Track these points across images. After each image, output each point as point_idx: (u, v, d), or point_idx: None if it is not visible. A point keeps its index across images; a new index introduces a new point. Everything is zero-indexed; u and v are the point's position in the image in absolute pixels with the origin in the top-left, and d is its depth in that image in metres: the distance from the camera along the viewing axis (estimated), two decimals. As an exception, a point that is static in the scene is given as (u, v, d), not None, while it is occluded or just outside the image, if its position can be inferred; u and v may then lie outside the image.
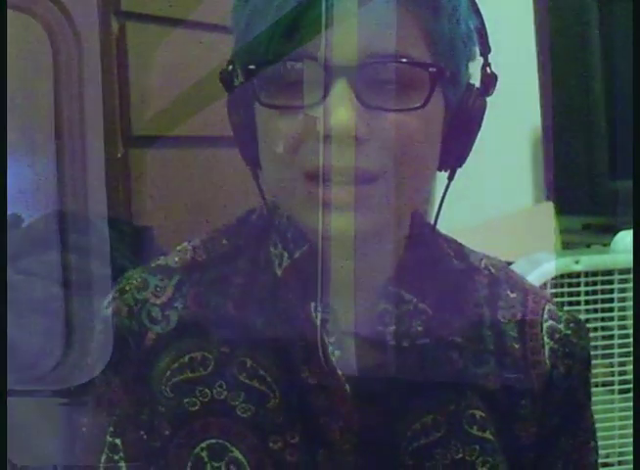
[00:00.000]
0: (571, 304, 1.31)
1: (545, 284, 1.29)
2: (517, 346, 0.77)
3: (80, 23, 1.32)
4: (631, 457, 1.28)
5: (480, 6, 0.72)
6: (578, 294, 1.31)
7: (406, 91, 0.67)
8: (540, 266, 1.30)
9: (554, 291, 1.30)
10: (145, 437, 0.75)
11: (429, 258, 0.78)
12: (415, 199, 0.74)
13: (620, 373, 1.33)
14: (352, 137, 0.65)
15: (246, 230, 0.79)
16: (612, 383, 1.33)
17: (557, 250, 1.67)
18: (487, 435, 0.75)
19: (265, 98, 0.68)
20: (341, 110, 0.64)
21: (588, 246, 1.66)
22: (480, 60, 0.73)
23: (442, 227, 0.80)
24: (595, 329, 1.31)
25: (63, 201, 1.35)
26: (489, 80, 0.73)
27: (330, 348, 0.73)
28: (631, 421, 1.31)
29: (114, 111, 1.56)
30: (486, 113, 0.73)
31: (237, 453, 0.72)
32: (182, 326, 0.75)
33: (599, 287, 1.32)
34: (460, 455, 0.74)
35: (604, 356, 1.33)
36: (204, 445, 0.73)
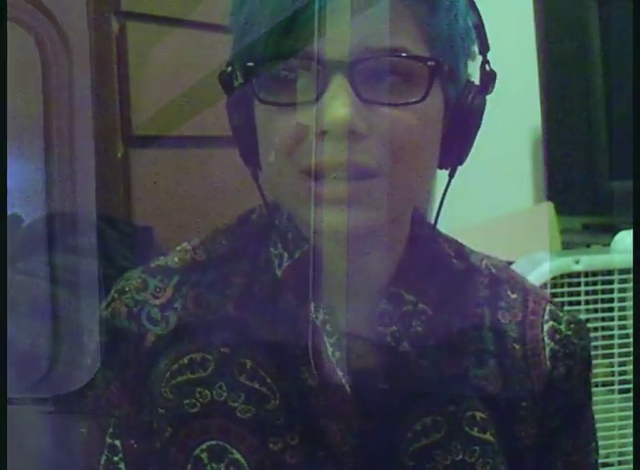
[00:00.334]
0: (571, 304, 1.30)
1: (545, 284, 1.29)
2: (517, 346, 0.77)
3: (69, 30, 1.32)
4: (631, 457, 1.28)
5: (479, 5, 0.72)
6: (578, 294, 1.31)
7: (404, 86, 0.67)
8: (540, 266, 1.30)
9: (554, 291, 1.30)
10: (145, 438, 0.75)
11: (429, 258, 0.78)
12: (414, 197, 0.73)
13: (620, 373, 1.33)
14: (349, 132, 0.65)
15: (246, 230, 0.79)
16: (612, 383, 1.33)
17: (557, 250, 1.67)
18: (488, 436, 0.75)
19: (264, 96, 0.68)
20: (337, 104, 0.64)
21: (588, 246, 1.66)
22: (479, 59, 0.73)
23: (442, 227, 0.80)
24: (595, 329, 1.31)
25: (62, 201, 1.35)
26: (488, 78, 0.73)
27: (330, 349, 0.73)
28: (631, 421, 1.31)
29: (114, 111, 1.56)
30: (487, 112, 0.73)
31: (237, 455, 0.72)
32: (182, 327, 0.75)
33: (599, 287, 1.32)
34: (460, 457, 0.74)
35: (604, 356, 1.33)
36: (203, 446, 0.73)
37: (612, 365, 1.34)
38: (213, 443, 0.73)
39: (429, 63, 0.67)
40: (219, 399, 0.73)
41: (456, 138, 0.72)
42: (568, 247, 1.73)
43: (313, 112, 0.66)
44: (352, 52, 0.65)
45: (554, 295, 1.29)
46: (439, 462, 0.73)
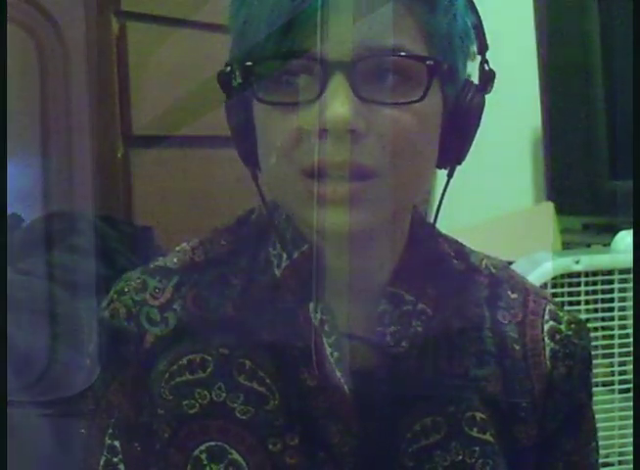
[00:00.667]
0: (571, 304, 1.30)
1: (545, 284, 1.29)
2: (517, 346, 0.77)
3: (67, 30, 1.32)
4: (631, 457, 1.28)
5: (478, 5, 0.72)
6: (578, 294, 1.31)
7: (404, 85, 0.67)
8: (540, 266, 1.30)
9: (554, 291, 1.30)
10: (144, 439, 0.75)
11: (429, 258, 0.77)
12: (414, 196, 0.73)
13: (620, 373, 1.33)
14: (348, 131, 0.65)
15: (245, 231, 0.79)
16: (612, 383, 1.33)
17: (557, 250, 1.67)
18: (488, 436, 0.74)
19: (263, 95, 0.68)
20: (336, 104, 0.64)
21: (588, 246, 1.66)
22: (478, 59, 0.73)
23: (442, 227, 0.80)
24: (595, 329, 1.31)
25: (61, 201, 1.35)
26: (487, 77, 0.73)
27: (329, 349, 0.73)
28: (631, 421, 1.31)
29: (114, 111, 1.56)
30: (487, 112, 0.73)
31: (236, 455, 0.72)
32: (181, 328, 0.75)
33: (599, 287, 1.32)
34: (460, 457, 0.74)
35: (604, 356, 1.33)
36: (203, 447, 0.73)
37: (612, 365, 1.34)
38: (213, 443, 0.73)
39: (427, 62, 0.67)
40: (218, 400, 0.73)
41: (455, 138, 0.72)
42: (568, 247, 1.74)
43: (313, 111, 0.65)
44: (352, 51, 0.65)
45: (554, 295, 1.29)
46: (439, 463, 0.73)
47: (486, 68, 0.73)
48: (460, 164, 0.74)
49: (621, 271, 1.32)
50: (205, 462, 0.72)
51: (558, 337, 0.78)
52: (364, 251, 0.72)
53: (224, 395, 0.73)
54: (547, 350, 0.77)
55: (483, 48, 0.73)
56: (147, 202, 1.58)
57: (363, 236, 0.69)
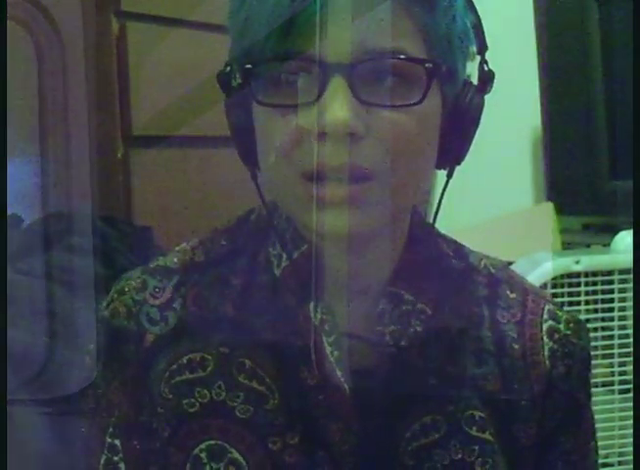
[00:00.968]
0: (571, 304, 1.30)
1: (545, 284, 1.29)
2: (516, 346, 0.77)
3: (65, 29, 1.32)
4: (631, 457, 1.28)
5: (478, 5, 0.72)
6: (578, 294, 1.31)
7: (403, 87, 0.66)
8: (540, 266, 1.30)
9: (554, 291, 1.30)
10: (144, 438, 0.75)
11: (428, 258, 0.77)
12: (413, 198, 0.73)
13: (620, 373, 1.33)
14: (348, 134, 0.65)
15: (244, 231, 0.79)
16: (612, 383, 1.33)
17: (557, 250, 1.67)
18: (487, 435, 0.75)
19: (263, 97, 0.68)
20: (336, 106, 0.64)
21: (588, 246, 1.66)
22: (477, 59, 0.73)
23: (442, 227, 0.80)
24: (595, 329, 1.31)
25: (62, 201, 1.35)
26: (487, 78, 0.73)
27: (328, 348, 0.73)
28: (631, 421, 1.31)
29: (113, 111, 1.56)
30: (487, 112, 0.73)
31: (236, 454, 0.72)
32: (181, 327, 0.75)
33: (599, 287, 1.32)
34: (459, 456, 0.74)
35: (604, 356, 1.33)
36: (203, 445, 0.73)
37: (612, 365, 1.34)
38: (212, 442, 0.73)
39: (427, 64, 0.67)
40: (218, 399, 0.73)
41: (454, 138, 0.72)
42: (568, 247, 1.73)
43: (312, 114, 0.65)
44: (351, 54, 0.65)
45: (554, 295, 1.29)
46: (439, 461, 0.73)
47: (486, 68, 0.73)
48: (459, 164, 0.74)
49: (621, 271, 1.32)
50: (205, 461, 0.73)
51: (557, 336, 0.78)
52: (363, 252, 0.72)
53: (224, 394, 0.73)
54: (546, 349, 0.77)
55: (483, 48, 0.73)
56: (147, 202, 1.58)
57: (362, 237, 0.70)
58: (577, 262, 1.31)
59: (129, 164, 1.58)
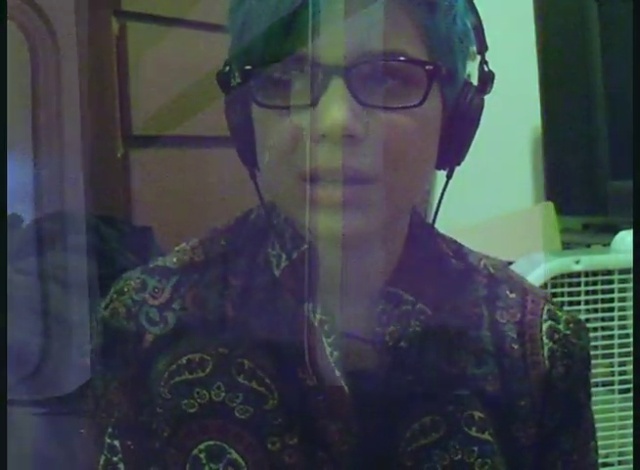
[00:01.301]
0: (571, 304, 1.30)
1: (545, 284, 1.29)
2: (516, 346, 0.77)
3: (59, 28, 1.32)
4: (631, 457, 1.28)
5: (478, 5, 0.72)
6: (578, 294, 1.31)
7: (403, 89, 0.66)
8: (540, 266, 1.30)
9: (554, 291, 1.30)
10: (144, 438, 0.75)
11: (427, 258, 0.77)
12: (412, 199, 0.73)
13: (620, 373, 1.33)
14: (346, 136, 0.65)
15: (244, 231, 0.79)
16: (612, 383, 1.33)
17: (557, 250, 1.67)
18: (486, 436, 0.75)
19: (262, 99, 0.67)
20: (335, 109, 0.64)
21: (588, 246, 1.66)
22: (477, 59, 0.73)
23: (442, 227, 0.80)
24: (595, 329, 1.31)
25: (62, 201, 1.35)
26: (486, 78, 0.73)
27: (328, 349, 0.73)
28: (631, 421, 1.31)
29: (114, 111, 1.56)
30: (487, 112, 0.72)
31: (235, 455, 0.72)
32: (180, 327, 0.75)
33: (599, 287, 1.32)
34: (459, 456, 0.74)
35: (604, 356, 1.33)
36: (202, 446, 0.73)
37: (612, 365, 1.34)
38: (212, 443, 0.73)
39: (427, 67, 0.66)
40: (217, 400, 0.73)
41: (454, 139, 0.72)
42: (568, 247, 1.73)
43: (310, 115, 0.65)
44: (350, 56, 0.65)
45: (554, 295, 1.28)
46: (438, 462, 0.73)
47: (486, 68, 0.73)
48: (459, 164, 0.74)
49: (621, 271, 1.32)
50: (204, 461, 0.73)
51: (556, 336, 0.78)
52: (362, 252, 0.72)
53: (223, 394, 0.73)
54: (545, 349, 0.77)
55: (483, 49, 0.72)
56: (146, 201, 1.58)
57: (360, 239, 0.69)
58: (577, 262, 1.31)
59: (129, 163, 1.58)
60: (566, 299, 1.30)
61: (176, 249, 0.80)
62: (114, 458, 0.76)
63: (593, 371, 0.82)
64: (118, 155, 1.57)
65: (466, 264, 0.80)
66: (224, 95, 0.73)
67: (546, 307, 0.79)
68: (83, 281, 1.16)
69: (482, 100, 0.72)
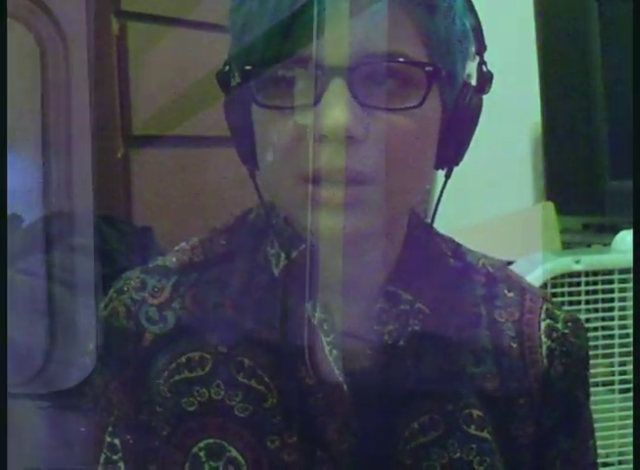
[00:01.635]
0: (571, 303, 1.30)
1: (545, 284, 1.29)
2: (514, 345, 0.77)
3: (68, 28, 1.32)
4: (631, 457, 1.28)
5: (478, 5, 0.72)
6: (578, 294, 1.31)
7: (403, 90, 0.66)
8: (540, 266, 1.30)
9: (554, 290, 1.30)
10: (144, 437, 0.75)
11: (426, 258, 0.78)
12: (411, 200, 0.74)
13: (621, 373, 1.33)
14: (347, 137, 0.65)
15: (243, 230, 0.79)
16: (612, 383, 1.33)
17: (557, 250, 1.67)
18: (485, 434, 0.75)
19: (262, 99, 0.68)
20: (335, 109, 0.64)
21: (588, 246, 1.66)
22: (476, 59, 0.73)
23: (442, 227, 0.80)
24: (595, 329, 1.31)
25: (62, 201, 1.35)
26: (485, 78, 0.73)
27: (327, 347, 0.73)
28: (631, 421, 1.31)
29: (114, 111, 1.57)
30: (486, 112, 0.73)
31: (234, 453, 0.73)
32: (180, 326, 0.75)
33: (599, 287, 1.32)
34: (458, 455, 0.74)
35: (604, 356, 1.33)
36: (201, 444, 0.73)
37: (612, 365, 1.34)
38: (211, 441, 0.73)
39: (427, 68, 0.66)
40: (217, 398, 0.74)
41: (453, 139, 0.72)
42: (568, 247, 1.73)
43: (311, 116, 0.65)
44: (351, 57, 0.65)
45: (554, 295, 1.29)
46: (437, 460, 0.73)
47: (484, 69, 0.73)
48: (458, 164, 0.74)
49: (621, 271, 1.32)
50: (204, 459, 0.73)
51: (555, 335, 0.78)
52: (361, 252, 0.72)
53: (223, 392, 0.73)
54: (544, 348, 0.77)
55: (482, 49, 0.73)
56: (146, 201, 1.58)
57: (360, 239, 0.70)
58: (578, 262, 1.31)
59: (129, 163, 1.58)
60: (566, 298, 1.30)
61: (176, 248, 0.80)
62: (115, 457, 0.76)
63: (593, 371, 0.82)
64: (119, 155, 1.57)
65: (464, 264, 0.80)
66: (224, 95, 0.73)
67: (544, 306, 0.79)
68: (84, 281, 1.16)
69: (481, 100, 0.72)
